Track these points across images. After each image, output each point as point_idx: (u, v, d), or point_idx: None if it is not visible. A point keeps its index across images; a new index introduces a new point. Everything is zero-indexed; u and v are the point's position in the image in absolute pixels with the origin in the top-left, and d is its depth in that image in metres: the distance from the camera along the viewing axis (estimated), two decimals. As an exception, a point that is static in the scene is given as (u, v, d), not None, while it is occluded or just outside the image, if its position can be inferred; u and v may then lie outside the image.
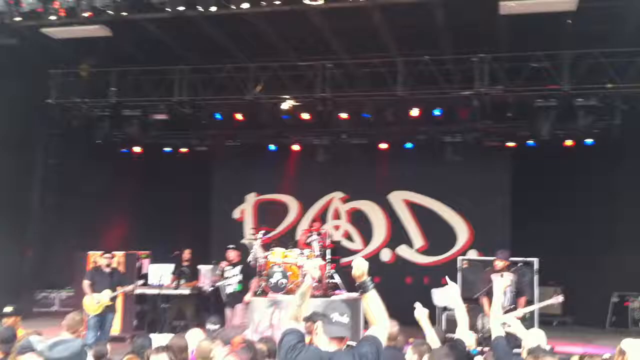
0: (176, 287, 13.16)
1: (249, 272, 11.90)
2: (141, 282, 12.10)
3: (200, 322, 11.21)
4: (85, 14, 10.56)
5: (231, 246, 12.30)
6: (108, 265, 11.15)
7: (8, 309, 7.83)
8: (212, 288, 12.90)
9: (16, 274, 14.92)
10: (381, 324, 4.26)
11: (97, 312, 10.87)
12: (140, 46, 13.48)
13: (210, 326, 7.35)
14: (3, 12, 10.48)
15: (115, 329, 12.84)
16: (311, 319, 7.72)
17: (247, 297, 11.61)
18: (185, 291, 13.17)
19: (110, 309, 11.05)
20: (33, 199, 15.98)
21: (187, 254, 13.77)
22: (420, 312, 6.38)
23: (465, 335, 6.02)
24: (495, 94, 12.53)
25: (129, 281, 11.70)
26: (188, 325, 11.89)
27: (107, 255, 11.19)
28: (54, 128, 15.43)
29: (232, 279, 11.96)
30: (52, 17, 10.77)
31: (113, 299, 11.04)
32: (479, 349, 6.18)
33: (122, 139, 15.41)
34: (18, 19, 10.74)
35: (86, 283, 11.06)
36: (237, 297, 11.86)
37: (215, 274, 12.63)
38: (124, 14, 10.58)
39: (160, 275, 13.31)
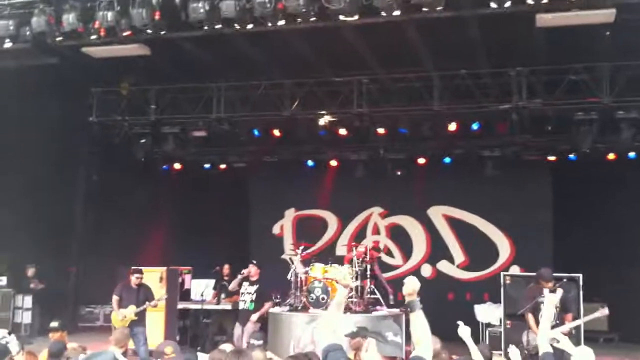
0: (217, 303, 13.24)
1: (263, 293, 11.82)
2: (164, 297, 11.98)
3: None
4: (125, 33, 10.71)
5: (254, 261, 12.11)
6: (136, 283, 11.22)
7: (54, 324, 7.97)
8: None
9: (61, 290, 15.19)
10: (426, 345, 4.21)
11: (123, 326, 10.80)
12: (178, 64, 13.66)
13: (253, 341, 7.36)
14: (44, 31, 10.67)
15: (159, 341, 13.01)
16: (359, 334, 7.72)
17: (254, 317, 11.44)
18: (227, 306, 13.22)
19: (137, 324, 11.02)
20: (75, 215, 16.27)
21: (226, 269, 13.87)
22: (464, 330, 6.29)
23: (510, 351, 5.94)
24: (533, 108, 12.40)
25: (153, 297, 11.61)
26: (229, 340, 11.89)
27: (138, 274, 11.27)
28: (95, 146, 15.71)
29: (246, 296, 11.73)
30: (93, 37, 10.95)
31: (138, 314, 11.03)
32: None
33: (162, 155, 15.62)
34: (59, 38, 10.93)
35: (114, 299, 11.18)
36: (246, 316, 11.62)
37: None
38: (163, 32, 10.72)
39: (201, 291, 13.41)
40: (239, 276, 11.91)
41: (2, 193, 13.60)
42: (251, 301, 11.61)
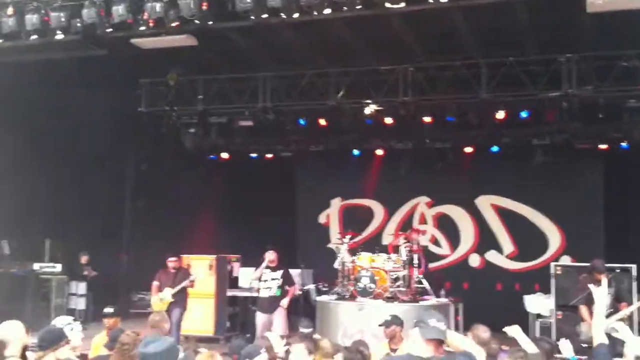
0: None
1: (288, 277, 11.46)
2: (194, 277, 11.79)
3: (290, 324, 11.32)
4: (173, 24, 10.83)
5: (270, 247, 11.70)
6: (174, 268, 11.44)
7: (109, 310, 8.14)
8: (301, 291, 13.00)
9: (113, 277, 15.56)
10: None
11: (162, 310, 10.76)
12: (224, 55, 13.78)
13: (303, 330, 7.40)
14: (95, 23, 10.86)
15: (209, 329, 13.23)
16: (393, 323, 7.72)
17: (284, 302, 11.19)
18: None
19: (175, 305, 11.20)
20: (125, 204, 16.61)
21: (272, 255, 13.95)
22: (513, 330, 6.19)
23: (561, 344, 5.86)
24: (584, 95, 12.14)
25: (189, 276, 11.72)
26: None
27: (173, 258, 11.47)
28: (145, 136, 15.97)
29: (271, 283, 11.29)
30: (142, 28, 11.09)
31: (175, 295, 11.19)
32: (578, 357, 5.96)
33: (209, 145, 15.80)
34: (109, 30, 11.11)
35: (153, 285, 11.41)
36: (275, 304, 11.19)
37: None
38: (210, 22, 10.80)
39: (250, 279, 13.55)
40: (262, 266, 11.45)
41: (55, 183, 13.96)
42: (278, 287, 11.24)
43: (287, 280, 11.40)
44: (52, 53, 12.29)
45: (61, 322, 6.01)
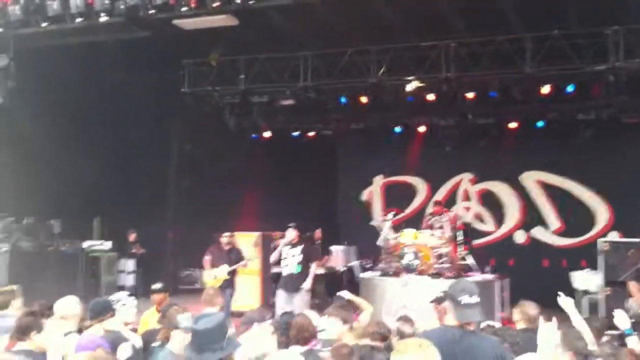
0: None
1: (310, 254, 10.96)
2: (255, 257, 12.01)
3: (331, 301, 11.38)
4: (214, 4, 10.89)
5: (291, 225, 11.14)
6: (228, 244, 11.45)
7: (157, 286, 8.28)
8: (345, 268, 13.06)
9: (160, 254, 15.85)
10: None
11: (216, 286, 10.74)
12: (265, 34, 13.80)
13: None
14: (137, 5, 10.98)
15: (255, 306, 13.36)
16: (444, 300, 7.69)
17: (307, 285, 10.56)
18: (319, 270, 13.42)
19: (228, 284, 11.14)
20: (170, 183, 16.87)
21: (318, 233, 14.11)
22: (565, 301, 6.10)
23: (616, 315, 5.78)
24: (631, 68, 11.85)
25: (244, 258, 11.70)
26: (321, 303, 12.04)
27: (227, 234, 11.49)
28: (188, 116, 16.14)
29: (290, 259, 10.74)
30: (183, 9, 11.18)
31: (230, 273, 11.19)
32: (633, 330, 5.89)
33: (251, 124, 15.90)
34: (151, 11, 11.22)
35: (206, 259, 11.40)
36: (295, 281, 10.58)
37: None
38: (251, 2, 10.82)
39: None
40: (279, 247, 11.05)
41: (102, 163, 14.24)
42: (298, 263, 10.67)
43: (308, 256, 10.81)
44: (96, 36, 12.48)
45: (117, 297, 6.17)
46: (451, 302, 4.18)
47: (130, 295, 6.35)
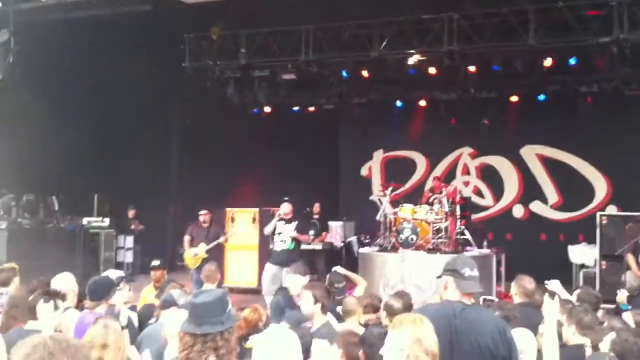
0: (308, 243, 13.48)
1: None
2: (230, 234, 11.87)
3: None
4: (215, -23, 10.78)
5: (286, 199, 11.23)
6: (205, 222, 11.37)
7: (155, 263, 8.34)
8: (343, 244, 13.10)
9: (160, 231, 15.89)
10: None
11: (195, 266, 11.00)
12: (266, 7, 13.68)
13: (337, 285, 7.47)
14: (139, -22, 10.91)
15: (252, 282, 13.44)
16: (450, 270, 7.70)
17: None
18: (317, 246, 13.47)
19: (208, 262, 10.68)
20: (171, 158, 16.86)
21: (316, 207, 14.13)
22: (554, 285, 6.18)
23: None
24: (636, 40, 11.74)
25: (224, 232, 11.69)
26: (320, 278, 12.10)
27: (203, 212, 11.42)
28: (189, 91, 16.08)
29: (285, 235, 10.64)
30: (185, -18, 11.08)
31: (208, 251, 11.06)
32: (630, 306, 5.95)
33: (252, 99, 15.85)
34: (152, -15, 11.13)
35: (185, 239, 11.37)
36: (289, 257, 10.32)
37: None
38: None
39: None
40: (274, 219, 10.83)
41: (102, 138, 14.23)
42: (292, 240, 10.62)
43: (301, 233, 10.83)
44: (97, 10, 12.40)
45: (111, 275, 6.19)
46: (453, 275, 4.18)
47: (123, 275, 6.31)
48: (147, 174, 15.31)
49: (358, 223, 15.27)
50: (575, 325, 4.75)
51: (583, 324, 4.73)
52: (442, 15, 12.72)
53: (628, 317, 5.71)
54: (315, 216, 14.00)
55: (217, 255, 11.52)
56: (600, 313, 6.09)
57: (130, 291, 6.27)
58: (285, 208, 10.83)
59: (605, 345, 4.24)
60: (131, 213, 15.47)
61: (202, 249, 11.11)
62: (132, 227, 15.41)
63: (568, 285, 8.66)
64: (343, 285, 7.48)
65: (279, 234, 10.69)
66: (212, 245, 11.16)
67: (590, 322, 4.78)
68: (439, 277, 4.66)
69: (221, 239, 11.35)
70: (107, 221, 14.35)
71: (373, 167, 17.43)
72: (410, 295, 6.07)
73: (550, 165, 15.73)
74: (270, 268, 10.46)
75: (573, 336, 4.77)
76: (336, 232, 14.13)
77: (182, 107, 16.84)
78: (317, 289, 5.83)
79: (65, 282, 5.98)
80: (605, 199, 15.13)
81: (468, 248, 11.80)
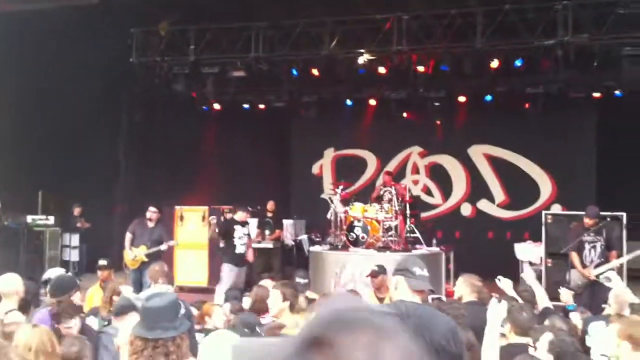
0: (260, 241, 13.45)
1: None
2: (174, 242, 11.45)
3: (285, 275, 11.44)
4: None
5: (242, 207, 11.63)
6: (150, 220, 10.86)
7: (102, 262, 8.20)
8: (294, 242, 13.09)
9: (107, 229, 15.59)
10: None
11: (134, 267, 10.66)
12: (216, 3, 13.57)
13: (299, 280, 7.48)
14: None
15: (203, 281, 13.30)
16: (380, 273, 7.79)
17: (250, 255, 11.37)
18: (270, 245, 13.44)
19: (147, 265, 9.80)
20: (119, 156, 16.56)
21: (270, 205, 14.07)
22: (504, 284, 6.33)
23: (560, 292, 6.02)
24: (579, 43, 12.05)
25: (170, 237, 11.27)
26: (275, 277, 12.03)
27: (152, 209, 10.91)
28: (137, 87, 15.81)
29: (244, 239, 11.25)
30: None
31: (148, 255, 10.45)
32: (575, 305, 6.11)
33: (201, 96, 15.68)
34: (97, -22, 10.91)
35: (127, 236, 10.85)
36: (244, 258, 11.25)
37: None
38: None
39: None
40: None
41: (46, 133, 13.87)
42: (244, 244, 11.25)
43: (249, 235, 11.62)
44: (42, 3, 12.08)
45: (54, 274, 6.05)
46: (404, 275, 4.20)
47: (67, 271, 6.23)
48: (94, 171, 14.98)
49: (309, 221, 15.27)
50: (511, 324, 4.83)
51: (518, 322, 4.81)
52: (392, 15, 12.81)
53: (575, 317, 5.85)
54: (269, 214, 13.96)
55: (166, 253, 11.30)
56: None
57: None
58: (242, 215, 11.36)
59: (542, 345, 4.32)
60: (77, 211, 15.11)
61: (142, 252, 10.60)
62: (78, 225, 15.05)
63: (515, 282, 8.83)
64: (306, 282, 7.53)
65: (239, 237, 11.08)
66: (152, 250, 10.61)
67: (526, 320, 4.85)
68: (368, 275, 4.72)
69: (163, 247, 10.77)
70: (52, 219, 14.05)
71: (324, 166, 17.46)
72: (361, 295, 6.09)
73: (497, 164, 16.03)
74: (233, 270, 10.93)
75: (509, 334, 4.85)
76: (287, 230, 14.11)
77: (130, 103, 16.54)
78: (286, 287, 5.82)
79: (9, 283, 5.82)
80: (550, 198, 15.50)
81: (418, 246, 11.93)
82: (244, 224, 11.32)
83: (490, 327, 4.44)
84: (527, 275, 6.56)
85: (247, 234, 11.33)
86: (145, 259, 10.43)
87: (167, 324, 3.34)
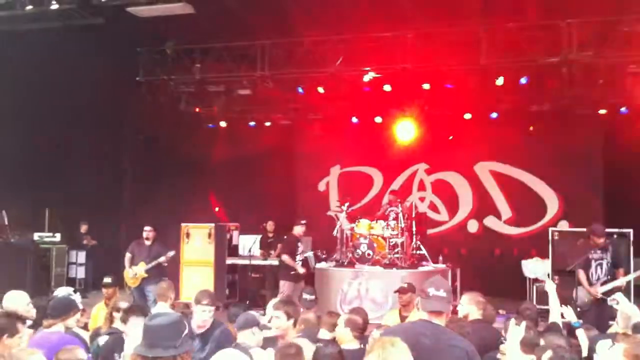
0: (265, 259, 13.49)
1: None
2: (172, 253, 11.56)
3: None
4: (169, -9, 10.72)
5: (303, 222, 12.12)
6: (147, 239, 11.20)
7: (107, 280, 8.20)
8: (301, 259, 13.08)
9: (113, 246, 15.61)
10: None
11: (135, 285, 10.96)
12: (222, 22, 13.65)
13: (306, 296, 7.47)
14: (89, -9, 10.77)
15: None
16: (409, 290, 7.76)
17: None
18: (275, 262, 13.45)
19: (149, 281, 10.77)
20: (125, 173, 16.62)
21: (270, 225, 14.06)
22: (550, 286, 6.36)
23: (563, 310, 6.00)
24: (584, 61, 12.07)
25: (167, 250, 11.45)
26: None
27: (147, 228, 11.27)
28: (143, 105, 15.89)
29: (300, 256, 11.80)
30: (138, -4, 10.98)
31: (148, 271, 10.89)
32: (580, 321, 6.08)
33: (207, 114, 15.75)
34: (104, -1, 11.01)
35: (126, 256, 11.22)
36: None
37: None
38: (206, -12, 10.68)
39: (249, 247, 13.62)
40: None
41: (54, 153, 13.95)
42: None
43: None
44: (49, 22, 12.18)
45: (62, 292, 6.05)
46: (420, 295, 4.23)
47: (74, 289, 6.22)
48: (101, 189, 15.04)
49: (315, 238, 15.27)
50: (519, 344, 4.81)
51: (525, 341, 4.80)
52: (397, 33, 12.87)
53: (581, 334, 5.82)
54: (270, 234, 14.01)
55: (172, 270, 11.40)
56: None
57: (81, 305, 6.15)
58: (299, 230, 11.90)
59: None
60: (84, 228, 15.16)
61: (141, 268, 10.95)
62: (85, 242, 15.10)
63: (522, 299, 8.80)
64: (313, 298, 7.52)
65: (299, 254, 11.68)
66: (152, 265, 10.95)
67: (531, 339, 4.85)
68: (396, 291, 4.72)
69: (162, 259, 11.09)
70: (58, 236, 14.10)
71: (330, 183, 17.48)
72: (366, 311, 6.06)
73: (504, 181, 16.01)
74: (292, 285, 11.32)
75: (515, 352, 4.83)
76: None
77: (137, 121, 16.63)
78: (288, 306, 5.83)
79: (15, 301, 5.81)
80: (557, 215, 15.45)
81: (424, 263, 11.90)
82: (301, 240, 11.74)
83: (511, 349, 4.58)
84: (549, 287, 6.52)
85: (303, 251, 11.78)
86: (145, 275, 10.87)
87: (168, 342, 3.35)
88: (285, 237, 12.31)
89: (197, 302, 6.12)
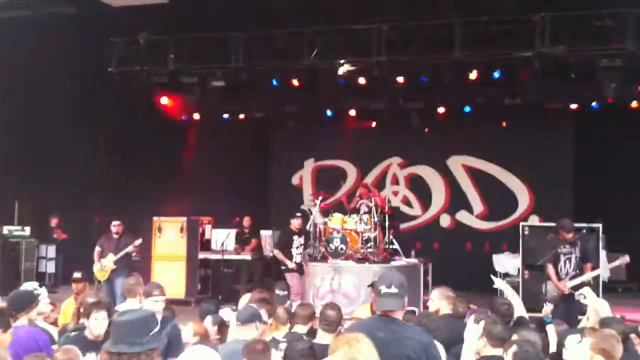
0: (238, 253, 13.44)
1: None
2: (139, 241, 11.77)
3: (265, 287, 11.40)
4: (142, -20, 10.60)
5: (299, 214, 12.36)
6: (116, 233, 11.38)
7: (77, 275, 8.13)
8: (272, 253, 13.07)
9: (85, 240, 15.42)
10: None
11: (105, 278, 11.10)
12: (196, 13, 13.53)
13: (279, 292, 7.45)
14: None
15: (180, 292, 13.20)
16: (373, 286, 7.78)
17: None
18: (247, 256, 13.42)
19: (117, 274, 11.02)
20: (97, 165, 16.41)
21: (247, 221, 14.02)
22: (501, 284, 6.44)
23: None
24: (556, 55, 12.16)
25: (134, 240, 11.66)
26: (254, 288, 12.00)
27: (115, 222, 11.45)
28: (116, 96, 15.71)
29: (300, 248, 12.07)
30: (111, -15, 10.85)
31: (117, 262, 11.13)
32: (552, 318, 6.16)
33: (180, 106, 15.61)
34: (76, -14, 10.86)
35: (96, 250, 11.37)
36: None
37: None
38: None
39: (222, 241, 13.56)
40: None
41: (24, 143, 13.74)
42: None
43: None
44: (20, 11, 12.00)
45: (28, 287, 5.97)
46: (374, 292, 4.24)
47: (42, 284, 6.15)
48: (72, 181, 14.85)
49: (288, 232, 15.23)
50: (485, 337, 4.84)
51: (492, 335, 4.83)
52: (371, 26, 12.85)
53: (551, 330, 5.88)
54: (246, 230, 13.97)
55: (144, 265, 11.38)
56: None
57: (48, 299, 6.08)
58: (295, 223, 12.11)
59: (508, 357, 4.33)
60: (54, 221, 14.92)
61: (109, 260, 11.12)
62: (55, 236, 14.88)
63: (493, 294, 8.86)
64: (285, 293, 7.49)
65: (297, 247, 11.99)
66: (120, 255, 11.15)
67: (499, 333, 4.87)
68: (369, 285, 4.75)
69: (129, 248, 11.34)
70: (28, 230, 13.90)
71: (304, 176, 17.44)
72: (340, 306, 6.05)
73: (476, 175, 16.11)
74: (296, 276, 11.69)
75: (484, 348, 4.86)
76: (266, 242, 14.08)
77: (109, 112, 16.41)
78: (267, 304, 5.85)
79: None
80: (527, 209, 15.60)
81: (396, 257, 11.92)
82: (300, 233, 11.93)
83: (467, 346, 4.71)
84: (500, 284, 6.60)
85: (302, 244, 11.97)
86: (114, 266, 11.06)
87: (133, 339, 3.33)
88: (259, 231, 12.41)
89: (147, 295, 6.13)
